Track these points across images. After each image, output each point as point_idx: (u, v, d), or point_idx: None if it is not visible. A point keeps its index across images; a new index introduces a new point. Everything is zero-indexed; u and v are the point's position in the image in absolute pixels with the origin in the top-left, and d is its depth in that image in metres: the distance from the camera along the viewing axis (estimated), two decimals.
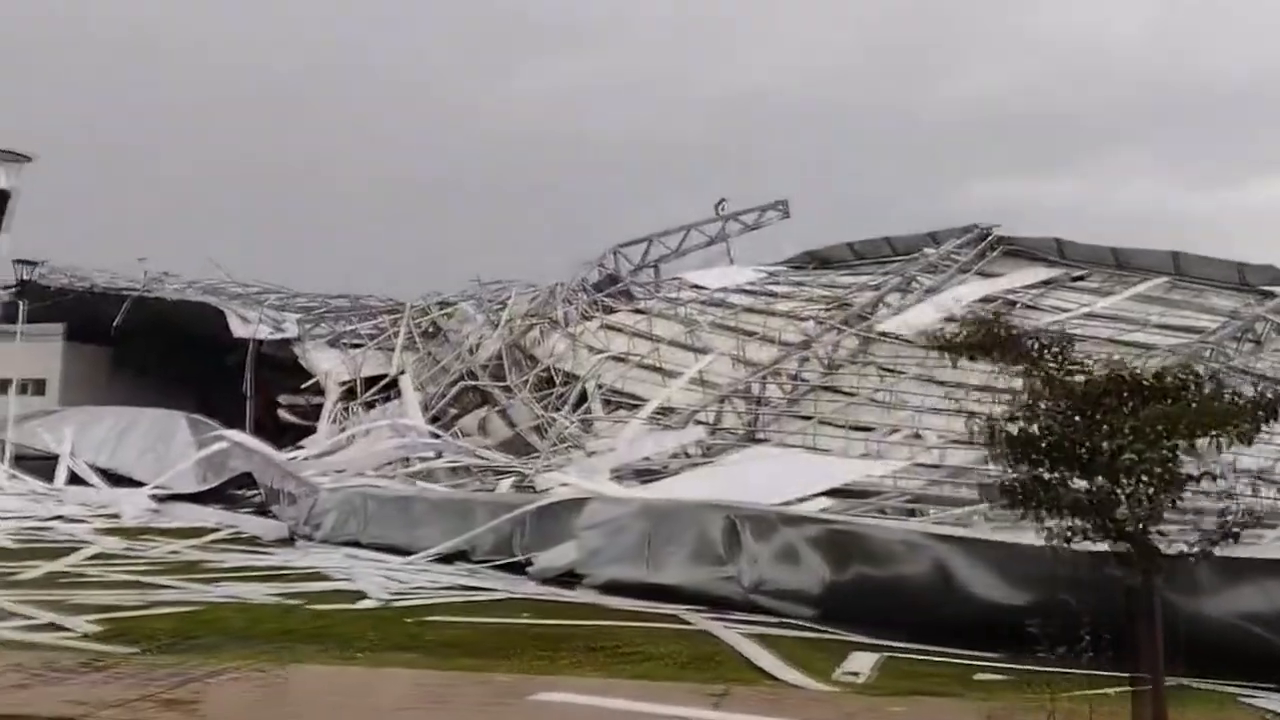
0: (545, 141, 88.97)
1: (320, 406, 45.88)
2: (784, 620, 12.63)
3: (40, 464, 33.45)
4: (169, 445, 33.95)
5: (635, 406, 27.81)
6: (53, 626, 11.21)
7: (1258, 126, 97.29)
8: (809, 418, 25.50)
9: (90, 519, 24.61)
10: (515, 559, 16.60)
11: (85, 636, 10.71)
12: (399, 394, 32.51)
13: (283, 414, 40.77)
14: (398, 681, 9.50)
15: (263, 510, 25.41)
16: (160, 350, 44.48)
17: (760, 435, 24.36)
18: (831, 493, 17.67)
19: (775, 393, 26.51)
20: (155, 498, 27.08)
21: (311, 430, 33.68)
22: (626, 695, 8.51)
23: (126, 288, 40.24)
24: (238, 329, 35.54)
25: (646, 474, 21.29)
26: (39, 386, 46.98)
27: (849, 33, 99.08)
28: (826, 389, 27.01)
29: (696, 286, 32.56)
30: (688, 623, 12.35)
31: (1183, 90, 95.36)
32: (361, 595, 13.96)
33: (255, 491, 28.87)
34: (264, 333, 35.27)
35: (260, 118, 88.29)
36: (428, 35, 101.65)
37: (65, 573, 15.80)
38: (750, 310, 29.39)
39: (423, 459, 24.44)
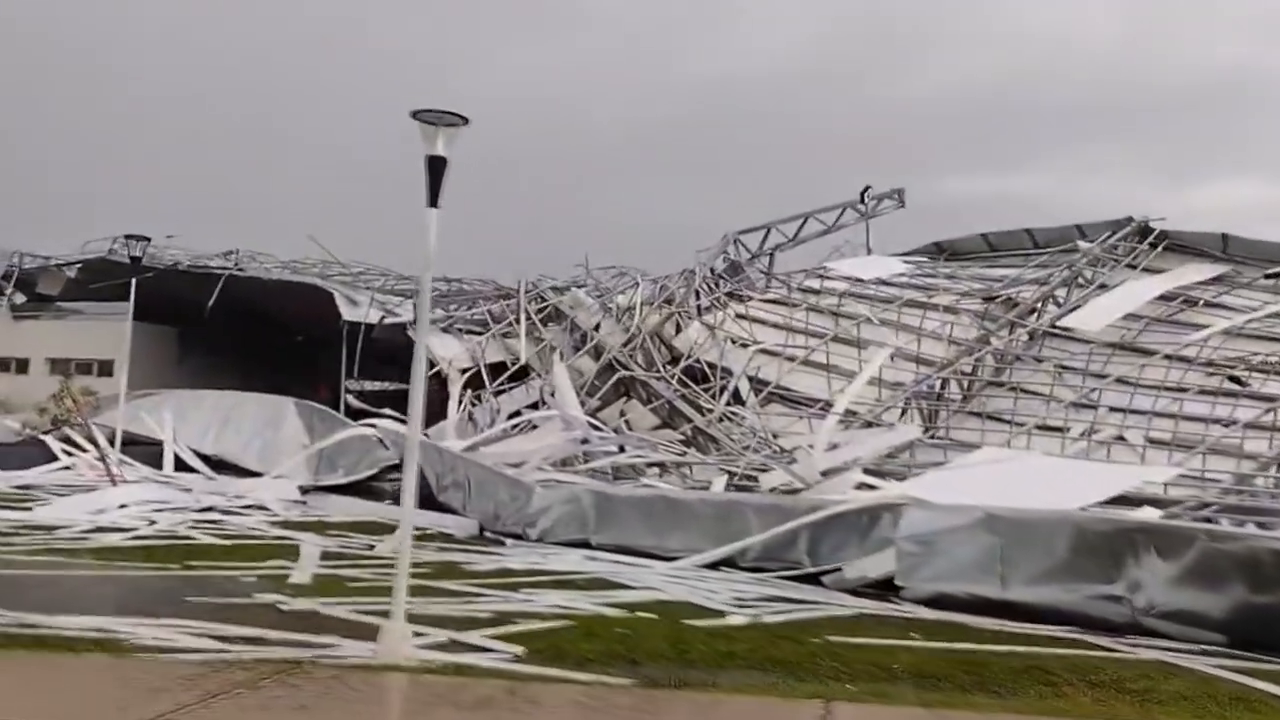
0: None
1: (398, 393, 44.80)
2: (1183, 647, 11.64)
3: (142, 449, 32.10)
4: (277, 432, 32.59)
5: (792, 401, 26.80)
6: (454, 645, 10.03)
7: (1225, 125, 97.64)
8: (990, 416, 24.58)
9: (243, 511, 23.40)
10: (796, 566, 15.57)
11: (518, 659, 9.54)
12: (524, 383, 31.43)
13: (349, 399, 39.60)
14: None
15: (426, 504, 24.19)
16: (232, 331, 43.24)
17: (939, 435, 23.40)
18: (1112, 501, 16.70)
19: (951, 390, 25.54)
20: (302, 489, 25.79)
21: (378, 416, 32.31)
22: None
23: (218, 267, 38.85)
24: (346, 312, 34.19)
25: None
26: (106, 367, 45.68)
27: (818, 27, 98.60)
28: (996, 384, 26.06)
29: (852, 278, 31.38)
30: (1106, 649, 11.30)
31: (1150, 88, 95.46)
32: (695, 608, 12.86)
33: (393, 481, 27.74)
34: (374, 316, 33.94)
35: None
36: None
37: (333, 576, 14.62)
38: (914, 304, 28.27)
39: (606, 454, 23.27)
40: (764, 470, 20.06)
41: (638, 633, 11.00)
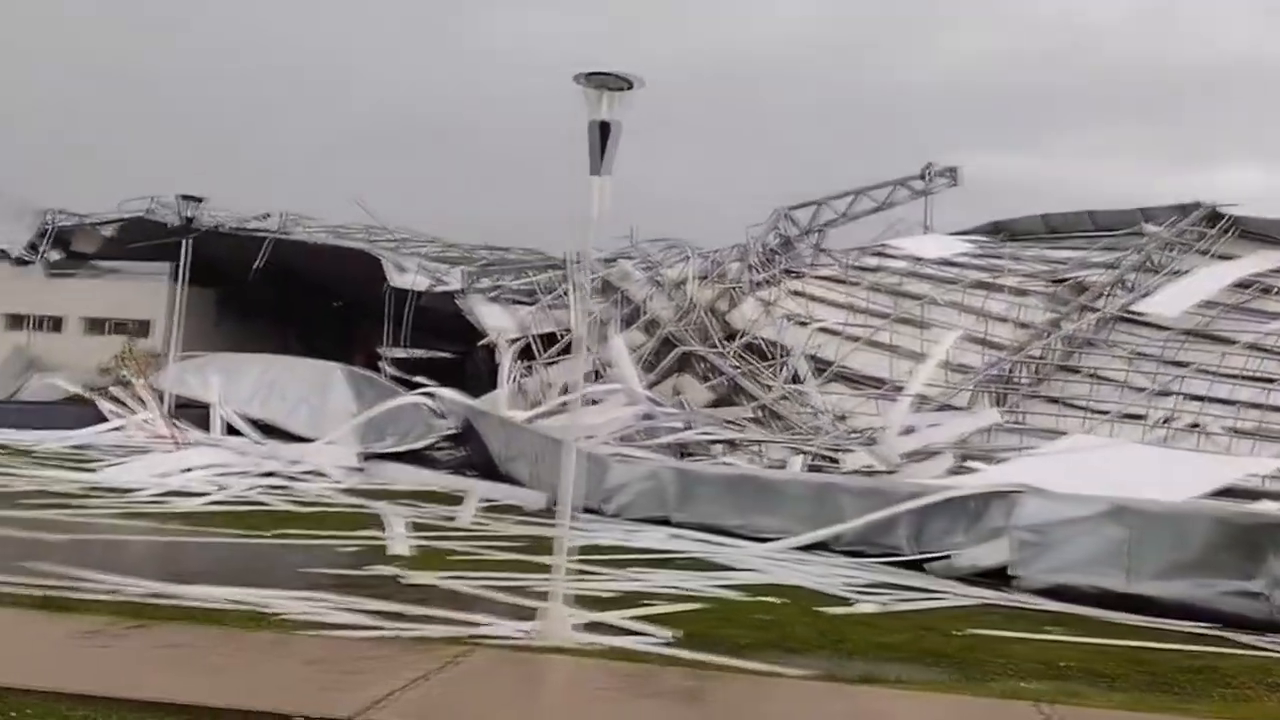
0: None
1: (433, 361, 44.53)
2: None
3: (189, 411, 31.79)
4: (325, 397, 32.28)
5: (854, 382, 26.43)
6: (598, 626, 9.69)
7: (1240, 108, 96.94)
8: (1057, 400, 24.19)
9: (303, 476, 23.13)
10: (895, 552, 15.22)
11: (672, 643, 9.21)
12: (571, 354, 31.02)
13: (385, 367, 39.30)
14: None
15: (487, 475, 23.89)
16: (270, 295, 42.82)
17: (1017, 420, 23.00)
18: (1221, 494, 16.34)
19: (1019, 374, 25.13)
20: (366, 456, 25.48)
21: (414, 385, 31.93)
22: None
23: (264, 230, 38.38)
24: (394, 278, 33.74)
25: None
26: (143, 328, 45.33)
27: (824, 8, 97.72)
28: (1068, 369, 25.66)
29: (915, 257, 30.89)
30: (1261, 649, 10.95)
31: (1157, 71, 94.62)
32: (812, 593, 12.53)
33: (446, 450, 27.47)
34: (423, 284, 33.52)
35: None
36: None
37: (429, 548, 14.31)
38: (980, 285, 27.82)
39: (671, 430, 22.92)
40: (844, 451, 19.66)
41: (778, 618, 10.66)
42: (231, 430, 30.28)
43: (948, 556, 14.39)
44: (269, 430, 30.84)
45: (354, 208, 38.74)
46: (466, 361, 35.11)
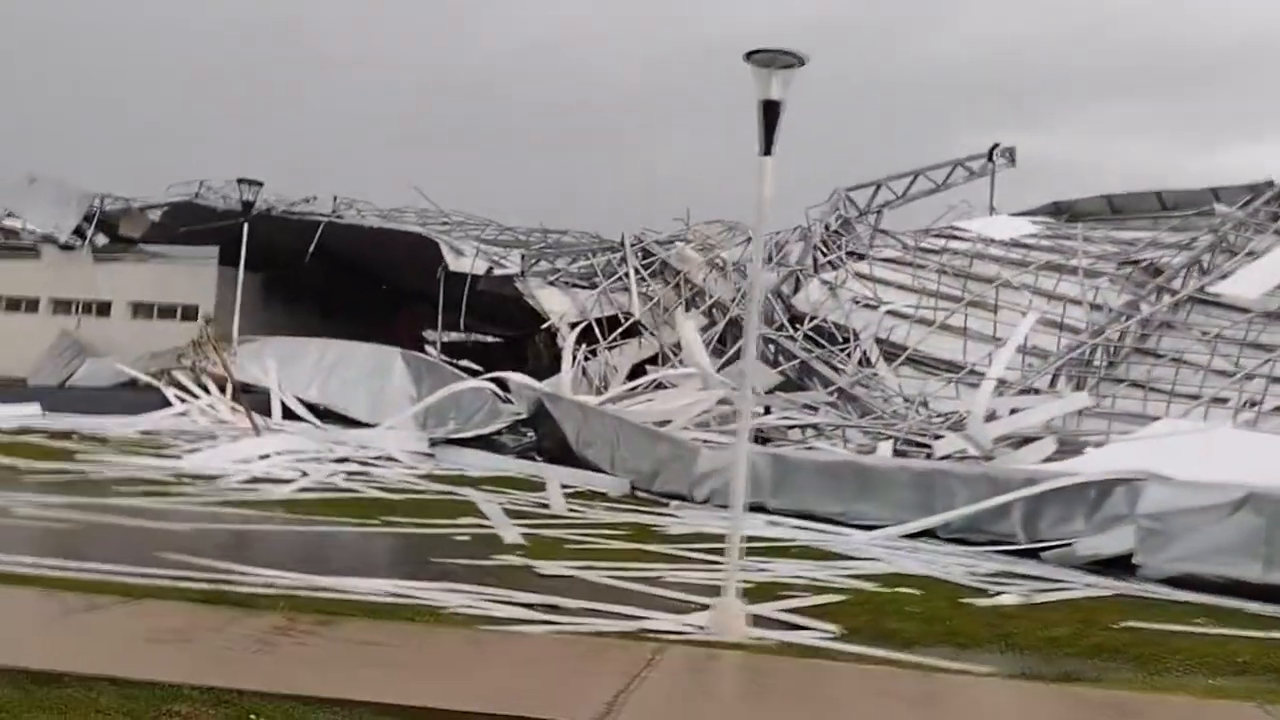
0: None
1: (478, 345, 44.40)
2: None
3: (248, 397, 31.69)
4: (384, 382, 32.13)
5: (927, 365, 26.13)
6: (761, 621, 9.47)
7: (1248, 89, 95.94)
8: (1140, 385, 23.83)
9: (377, 462, 23.00)
10: (1006, 539, 14.98)
11: (841, 638, 8.99)
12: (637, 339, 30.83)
13: (431, 351, 39.19)
14: None
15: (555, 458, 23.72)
16: (318, 278, 42.73)
17: (1102, 405, 22.64)
18: None
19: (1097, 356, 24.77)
20: (435, 441, 25.35)
21: (462, 370, 31.66)
22: None
23: (316, 214, 38.21)
24: (452, 262, 33.49)
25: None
26: (191, 312, 45.26)
27: None
28: (1147, 353, 25.29)
29: (985, 238, 30.48)
30: None
31: (1177, 50, 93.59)
32: (943, 583, 12.30)
33: (513, 435, 27.33)
34: (481, 267, 33.27)
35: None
36: None
37: (539, 536, 14.13)
38: (1053, 267, 27.42)
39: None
40: (934, 437, 19.39)
41: (930, 611, 10.43)
42: (289, 415, 30.22)
43: (1069, 544, 14.14)
44: (327, 415, 30.79)
45: (391, 191, 38.46)
46: (528, 345, 34.91)
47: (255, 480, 18.47)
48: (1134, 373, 24.00)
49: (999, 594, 11.57)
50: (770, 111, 8.74)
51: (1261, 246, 27.40)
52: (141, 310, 46.30)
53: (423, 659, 6.86)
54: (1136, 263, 27.31)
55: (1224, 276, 25.65)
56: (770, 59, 8.70)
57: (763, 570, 12.51)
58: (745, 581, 11.68)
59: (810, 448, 19.92)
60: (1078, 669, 8.29)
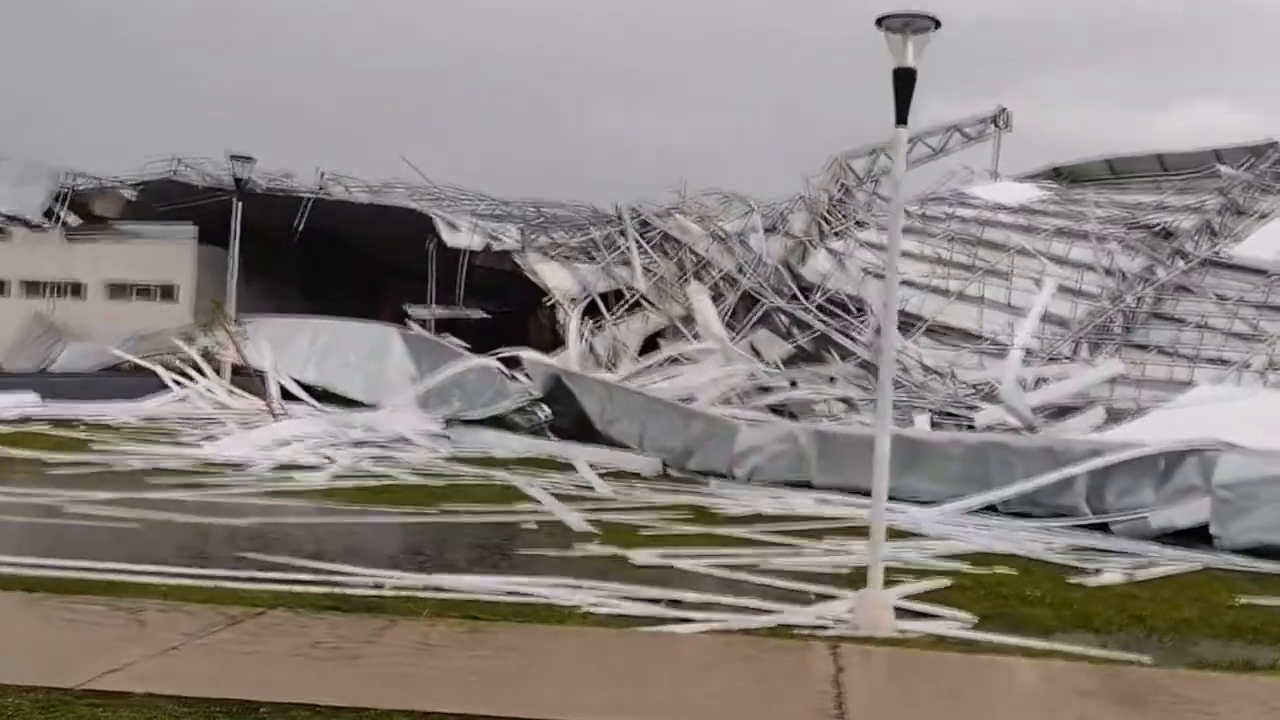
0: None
1: (458, 321, 43.74)
2: None
3: (240, 379, 30.97)
4: (383, 362, 31.51)
5: (944, 335, 25.94)
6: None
7: (1197, 50, 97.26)
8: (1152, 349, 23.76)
9: (399, 445, 22.48)
10: (1069, 512, 14.80)
11: (978, 627, 8.70)
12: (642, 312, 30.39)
13: (412, 325, 38.56)
14: None
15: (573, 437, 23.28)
16: (301, 255, 41.87)
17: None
18: None
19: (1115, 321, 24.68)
20: (450, 422, 24.80)
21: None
22: None
23: (294, 189, 37.30)
24: (448, 238, 32.85)
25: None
26: (169, 292, 44.32)
27: None
28: (1160, 317, 25.25)
29: (994, 204, 30.26)
30: None
31: (1118, 17, 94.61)
32: (1033, 560, 12.06)
33: (527, 414, 26.82)
34: (478, 243, 32.66)
35: None
36: None
37: (605, 522, 13.74)
38: (1064, 233, 27.26)
39: (778, 389, 22.34)
40: (972, 409, 19.18)
41: (1049, 593, 10.15)
42: (287, 396, 29.53)
43: (1139, 517, 13.96)
44: (324, 397, 30.13)
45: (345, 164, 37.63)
46: (530, 321, 34.37)
47: (283, 468, 17.94)
48: (1153, 338, 23.92)
49: (1098, 572, 11.34)
50: (904, 80, 8.34)
51: (1267, 208, 27.40)
52: (118, 291, 45.23)
53: (601, 669, 6.47)
54: (1148, 226, 27.22)
55: (1236, 238, 25.61)
56: (904, 24, 8.29)
57: (848, 553, 12.21)
58: (839, 567, 11.47)
59: (854, 422, 19.62)
60: (1241, 655, 8.04)
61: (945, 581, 10.58)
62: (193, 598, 7.76)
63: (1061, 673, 7.03)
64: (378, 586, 8.79)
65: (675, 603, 8.90)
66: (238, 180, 29.22)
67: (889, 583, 10.40)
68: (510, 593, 8.83)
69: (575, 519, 13.76)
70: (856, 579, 10.65)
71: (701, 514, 14.96)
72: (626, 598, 8.92)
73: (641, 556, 11.15)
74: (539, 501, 15.20)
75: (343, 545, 10.96)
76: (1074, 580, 10.88)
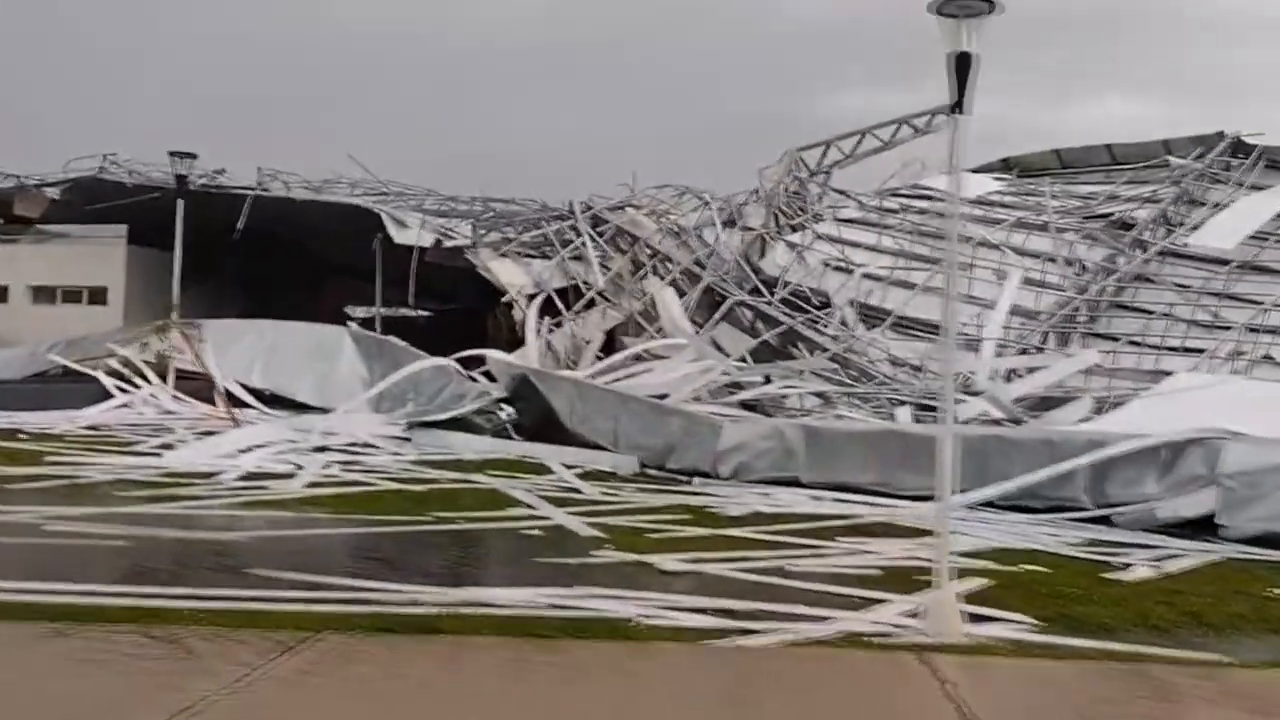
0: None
1: (401, 320, 42.93)
2: None
3: (183, 384, 29.90)
4: (333, 364, 30.57)
5: (907, 329, 25.89)
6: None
7: (1107, 45, 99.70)
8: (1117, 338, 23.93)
9: (360, 449, 21.78)
10: (1068, 504, 14.69)
11: (1043, 629, 8.42)
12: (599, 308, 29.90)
13: (352, 326, 37.73)
14: None
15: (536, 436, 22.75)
16: (238, 255, 40.70)
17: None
18: None
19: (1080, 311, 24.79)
20: (412, 424, 24.11)
21: None
22: None
23: (229, 187, 36.17)
24: (396, 235, 32.02)
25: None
26: (99, 295, 42.81)
27: None
28: (1121, 306, 25.44)
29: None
30: None
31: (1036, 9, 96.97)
32: (1056, 557, 11.87)
33: (486, 415, 26.21)
34: (428, 239, 31.87)
35: None
36: None
37: (606, 525, 13.29)
38: (1025, 225, 27.34)
39: (751, 385, 22.03)
40: (954, 401, 19.02)
41: (1092, 590, 9.95)
42: (234, 402, 28.58)
43: (1143, 507, 13.89)
44: (274, 400, 29.23)
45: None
46: (488, 319, 33.68)
47: (252, 476, 17.20)
48: (1114, 327, 24.07)
49: (1127, 567, 11.18)
50: (963, 65, 8.04)
51: (1219, 198, 27.78)
52: (43, 294, 43.64)
53: (710, 693, 6.03)
54: (1103, 216, 27.43)
55: (1194, 228, 25.91)
56: (960, 9, 7.98)
57: (867, 551, 11.94)
58: (866, 567, 11.17)
59: (830, 416, 19.39)
60: None
61: (982, 581, 10.32)
62: (227, 622, 7.18)
63: (1181, 680, 6.74)
64: (413, 603, 8.27)
65: (727, 612, 8.50)
66: (179, 178, 28.13)
67: (919, 581, 10.17)
68: (552, 605, 8.36)
69: (576, 524, 13.31)
70: (890, 580, 10.41)
71: (700, 514, 14.59)
72: (674, 608, 8.50)
73: (666, 563, 10.74)
74: (530, 506, 14.72)
75: (351, 558, 10.42)
76: (1108, 576, 10.69)
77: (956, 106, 8.18)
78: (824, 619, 8.38)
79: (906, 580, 10.24)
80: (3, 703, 5.36)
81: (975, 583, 10.23)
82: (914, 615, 8.55)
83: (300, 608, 7.79)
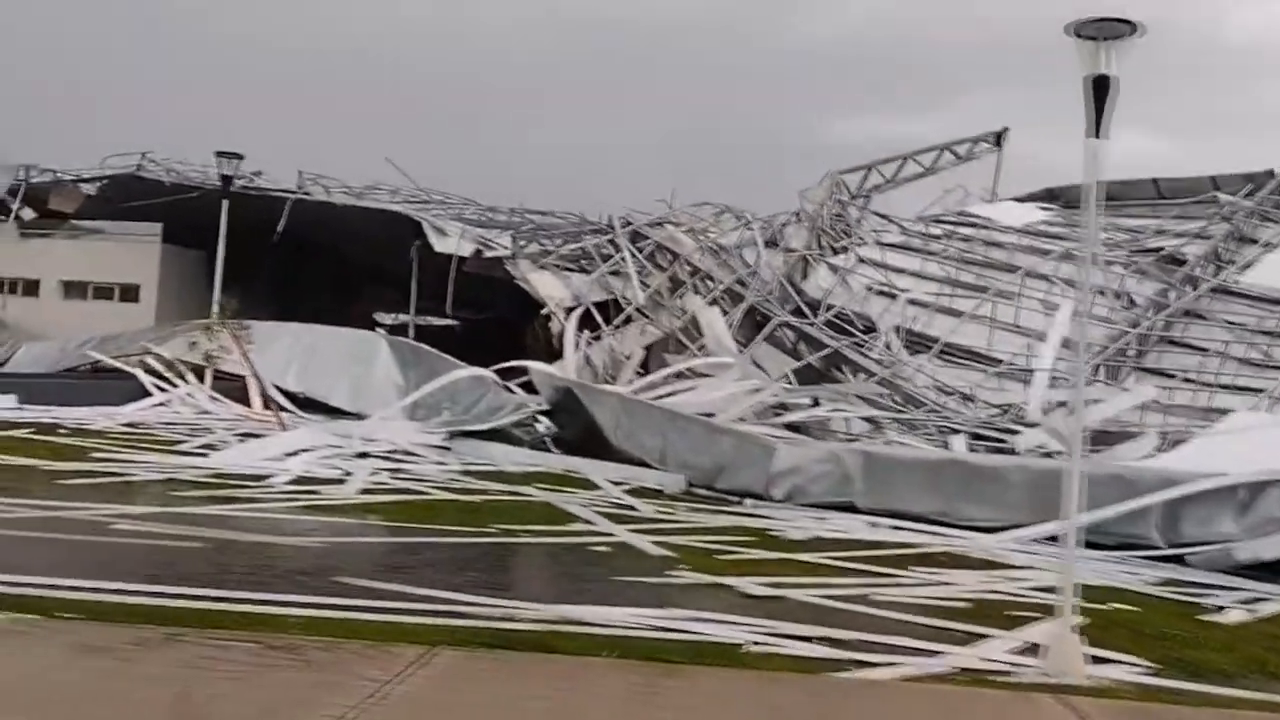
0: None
1: (437, 329, 42.78)
2: None
3: (220, 385, 29.74)
4: (368, 369, 30.41)
5: (955, 356, 25.64)
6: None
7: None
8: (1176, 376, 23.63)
9: (406, 457, 21.55)
10: (1140, 543, 14.40)
11: (1161, 672, 8.14)
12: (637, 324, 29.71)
13: (380, 333, 37.55)
14: None
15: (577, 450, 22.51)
16: (269, 257, 40.60)
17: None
18: None
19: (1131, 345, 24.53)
20: (453, 434, 23.88)
21: None
22: None
23: (270, 189, 36.10)
24: (436, 243, 31.87)
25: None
26: (131, 293, 42.73)
27: None
28: (1171, 342, 25.15)
29: (998, 224, 30.05)
30: None
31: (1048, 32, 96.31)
32: (1140, 596, 11.59)
33: (526, 427, 26.00)
34: (467, 249, 31.72)
35: None
36: None
37: (672, 545, 13.05)
38: (1071, 257, 27.09)
39: (798, 406, 21.77)
40: (1010, 432, 18.79)
41: (1192, 633, 9.66)
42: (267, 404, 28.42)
43: (1224, 549, 13.59)
44: (309, 404, 29.05)
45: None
46: (527, 331, 33.49)
47: (302, 480, 17.01)
48: (1165, 363, 23.78)
49: (1221, 609, 10.89)
50: (1101, 89, 7.81)
51: (1269, 236, 27.51)
52: (74, 289, 43.58)
53: None
54: (1153, 250, 27.19)
55: (1245, 265, 25.65)
56: (1098, 30, 7.76)
57: (946, 583, 11.66)
58: (950, 599, 10.89)
59: (879, 442, 19.13)
60: None
61: (1081, 619, 10.04)
62: (332, 632, 6.95)
63: None
64: (507, 619, 8.03)
65: (833, 641, 8.26)
66: (225, 178, 28.04)
67: (1011, 617, 9.91)
68: (655, 627, 8.12)
69: (642, 542, 13.08)
70: (980, 614, 10.14)
71: (763, 537, 14.34)
72: (779, 634, 8.26)
73: (748, 586, 10.49)
74: (588, 521, 14.50)
75: (432, 569, 10.18)
76: (1209, 619, 10.41)
77: (1093, 131, 7.94)
78: (933, 653, 8.11)
79: (998, 614, 9.99)
80: (145, 713, 5.13)
81: (1077, 620, 9.96)
82: (1023, 652, 8.28)
83: (403, 619, 7.56)
